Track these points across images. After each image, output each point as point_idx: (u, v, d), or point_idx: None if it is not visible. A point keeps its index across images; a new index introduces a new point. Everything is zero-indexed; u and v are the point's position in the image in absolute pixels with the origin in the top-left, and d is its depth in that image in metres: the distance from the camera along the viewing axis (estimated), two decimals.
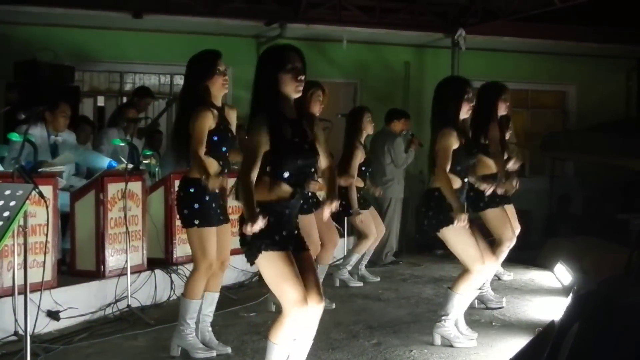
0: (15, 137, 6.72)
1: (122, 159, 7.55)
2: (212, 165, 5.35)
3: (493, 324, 6.76)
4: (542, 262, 10.19)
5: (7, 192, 4.10)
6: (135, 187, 7.42)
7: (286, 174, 4.24)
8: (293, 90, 4.30)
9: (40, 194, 4.53)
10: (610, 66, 15.01)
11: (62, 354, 5.72)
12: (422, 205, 5.93)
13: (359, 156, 8.18)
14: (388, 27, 12.69)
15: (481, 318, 6.93)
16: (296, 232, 4.40)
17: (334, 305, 7.33)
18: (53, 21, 11.27)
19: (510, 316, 7.09)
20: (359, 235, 8.80)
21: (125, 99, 12.08)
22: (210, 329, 5.77)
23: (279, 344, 4.29)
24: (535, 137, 14.92)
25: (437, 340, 5.98)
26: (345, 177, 7.89)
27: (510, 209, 7.62)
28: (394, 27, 12.72)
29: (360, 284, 8.62)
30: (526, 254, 10.79)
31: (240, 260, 8.53)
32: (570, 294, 6.85)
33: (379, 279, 8.75)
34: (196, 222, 5.45)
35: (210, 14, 11.73)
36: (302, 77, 4.30)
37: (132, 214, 7.30)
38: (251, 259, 4.27)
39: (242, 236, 4.25)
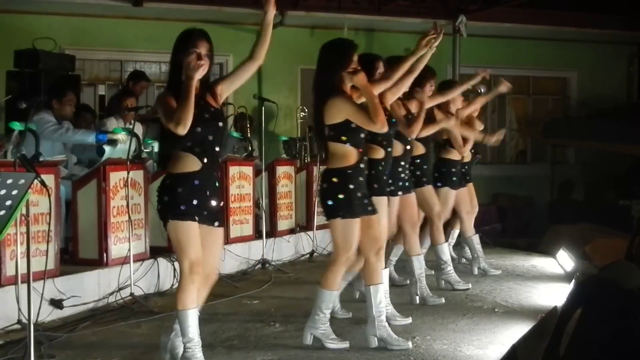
0: (16, 126, 6.70)
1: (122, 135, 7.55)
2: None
3: (496, 310, 6.77)
4: (545, 248, 10.21)
5: (9, 181, 4.09)
6: (138, 175, 7.43)
7: (189, 143, 4.71)
8: (192, 74, 4.70)
9: (42, 183, 4.53)
10: (612, 52, 14.99)
11: (66, 342, 5.72)
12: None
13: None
14: (389, 15, 12.68)
15: (484, 304, 6.94)
16: (214, 203, 4.80)
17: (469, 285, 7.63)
18: (54, 10, 11.27)
19: (513, 302, 7.10)
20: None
21: None
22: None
23: (186, 307, 4.74)
24: (537, 123, 14.91)
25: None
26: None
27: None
28: (394, 14, 12.71)
29: (499, 271, 8.48)
30: (528, 241, 10.82)
31: (242, 248, 8.62)
32: (573, 280, 6.85)
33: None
34: (340, 213, 5.33)
35: (211, 2, 11.73)
36: (203, 62, 4.78)
37: (134, 202, 7.30)
38: (163, 225, 4.82)
39: (157, 204, 4.80)
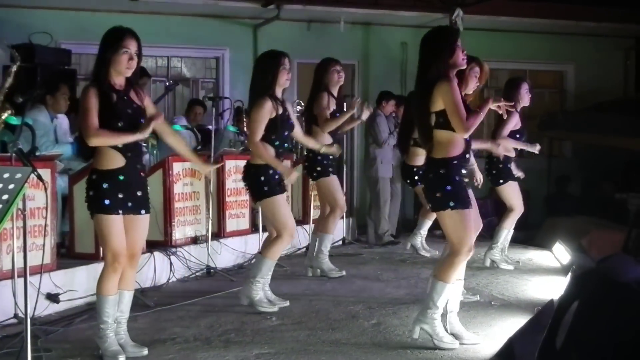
0: (13, 120, 6.69)
1: None
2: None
3: (492, 303, 6.78)
4: (541, 241, 10.23)
5: (6, 175, 4.09)
6: (143, 165, 7.39)
7: (120, 144, 4.95)
8: (123, 71, 5.04)
9: (39, 177, 4.52)
10: (609, 45, 14.97)
11: (62, 336, 5.73)
12: None
13: (513, 121, 7.94)
14: (385, 8, 12.67)
15: (480, 297, 6.95)
16: (139, 193, 5.08)
17: (343, 272, 7.81)
18: (50, 4, 11.25)
19: (510, 295, 7.11)
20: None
21: None
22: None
23: (105, 294, 5.07)
24: (533, 117, 14.90)
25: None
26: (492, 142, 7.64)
27: None
28: (391, 7, 12.69)
29: (512, 267, 8.38)
30: (525, 234, 10.83)
31: (238, 242, 8.62)
32: (569, 273, 6.85)
33: (343, 273, 8.15)
34: (451, 204, 5.18)
35: None
36: (133, 62, 5.05)
37: None
38: (91, 216, 5.06)
39: (87, 195, 5.03)
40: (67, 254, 7.21)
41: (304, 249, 9.23)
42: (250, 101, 6.43)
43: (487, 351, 5.33)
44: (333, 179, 7.73)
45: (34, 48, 9.72)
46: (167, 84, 8.36)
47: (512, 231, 8.45)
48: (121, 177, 4.99)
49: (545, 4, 13.45)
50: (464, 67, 5.40)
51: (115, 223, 5.00)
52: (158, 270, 7.48)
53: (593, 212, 12.33)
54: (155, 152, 8.77)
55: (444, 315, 5.42)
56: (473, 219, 5.40)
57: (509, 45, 14.27)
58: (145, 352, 5.26)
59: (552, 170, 14.82)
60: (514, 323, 5.91)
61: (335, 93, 7.69)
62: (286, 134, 6.50)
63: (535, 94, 15.42)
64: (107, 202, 4.95)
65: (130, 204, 5.04)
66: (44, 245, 5.55)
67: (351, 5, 12.46)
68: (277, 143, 6.37)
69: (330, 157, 7.64)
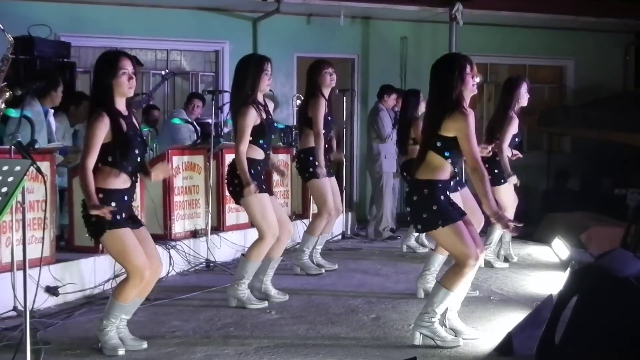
0: (11, 112, 6.68)
1: None
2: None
3: (491, 298, 6.78)
4: (540, 236, 10.24)
5: (5, 168, 4.08)
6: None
7: (124, 162, 5.02)
8: (126, 92, 5.05)
9: (38, 170, 4.51)
10: (609, 40, 14.96)
11: (62, 329, 5.73)
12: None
13: (514, 126, 7.88)
14: (385, 2, 12.64)
15: (479, 292, 6.94)
16: (130, 214, 5.19)
17: (322, 271, 7.79)
18: None
19: (509, 290, 7.11)
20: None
21: None
22: None
23: (123, 301, 5.12)
24: (533, 112, 14.89)
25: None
26: (496, 144, 7.71)
27: None
28: (391, 1, 12.66)
29: (507, 265, 8.31)
30: (524, 229, 10.81)
31: (238, 236, 8.61)
32: (568, 269, 6.86)
33: (336, 267, 8.19)
34: (440, 222, 5.17)
35: None
36: (133, 81, 5.05)
37: None
38: (96, 237, 5.06)
39: (87, 217, 5.01)
40: (67, 246, 7.20)
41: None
42: (233, 107, 6.42)
43: (486, 346, 5.33)
44: (324, 182, 7.67)
45: (33, 40, 9.69)
46: (164, 72, 8.31)
47: (502, 231, 8.34)
48: (126, 198, 5.09)
49: None
50: (475, 93, 5.40)
51: (131, 235, 5.04)
52: None
53: (592, 207, 12.35)
54: (154, 145, 8.77)
55: (442, 313, 5.42)
56: (468, 229, 5.32)
57: (508, 40, 14.26)
58: (145, 345, 5.26)
59: (551, 165, 14.82)
60: (513, 318, 5.91)
61: (327, 94, 7.67)
62: (273, 136, 6.66)
63: (535, 89, 15.47)
64: (117, 217, 4.98)
65: (129, 220, 5.13)
66: (43, 238, 5.57)
67: None
68: (265, 146, 6.42)
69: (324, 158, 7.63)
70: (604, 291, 4.71)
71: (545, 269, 8.15)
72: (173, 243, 7.80)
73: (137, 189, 7.40)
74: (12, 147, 5.32)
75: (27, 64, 9.40)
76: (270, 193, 6.63)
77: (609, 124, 12.99)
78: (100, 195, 4.96)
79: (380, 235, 10.12)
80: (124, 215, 5.05)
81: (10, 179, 4.06)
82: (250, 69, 6.34)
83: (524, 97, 7.99)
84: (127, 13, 11.89)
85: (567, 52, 15.00)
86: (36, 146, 6.50)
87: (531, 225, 11.40)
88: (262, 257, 6.44)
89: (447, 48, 13.19)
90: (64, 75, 9.97)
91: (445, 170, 5.24)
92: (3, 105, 6.07)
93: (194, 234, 8.20)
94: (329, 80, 7.63)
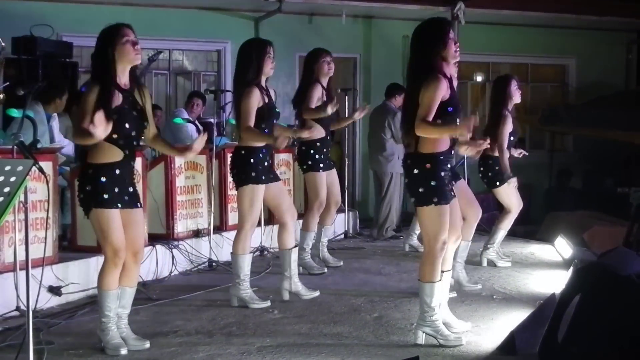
0: (14, 112, 6.69)
1: None
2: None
3: (494, 297, 6.78)
4: (543, 235, 10.23)
5: (7, 168, 4.08)
6: (136, 162, 7.38)
7: (114, 135, 4.87)
8: (133, 59, 5.02)
9: (41, 170, 4.52)
10: (611, 39, 14.96)
11: (64, 329, 5.73)
12: None
13: (509, 124, 7.80)
14: (387, 1, 12.64)
15: (482, 291, 6.95)
16: (131, 189, 5.08)
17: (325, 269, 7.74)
18: None
19: (511, 289, 7.11)
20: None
21: None
22: None
23: (106, 288, 5.07)
24: (535, 111, 14.90)
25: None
26: (493, 145, 7.62)
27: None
28: (393, 0, 12.66)
29: (509, 264, 8.25)
30: (526, 228, 10.83)
31: None
32: (571, 267, 6.86)
33: (341, 263, 8.23)
34: (435, 200, 5.12)
35: None
36: (139, 47, 5.01)
37: None
38: (85, 212, 5.02)
39: (79, 193, 5.01)
40: (69, 246, 7.21)
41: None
42: (236, 91, 6.42)
43: (489, 345, 5.33)
44: (321, 176, 7.65)
45: (35, 40, 9.70)
46: (150, 55, 8.26)
47: (506, 231, 8.36)
48: (117, 171, 4.99)
49: None
50: (457, 59, 5.34)
51: (115, 217, 4.98)
52: (160, 263, 7.48)
53: (594, 206, 12.34)
54: None
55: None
56: (452, 213, 5.33)
57: (510, 38, 14.26)
58: (147, 345, 5.25)
59: (553, 164, 14.82)
60: (516, 317, 5.91)
61: (325, 84, 7.63)
62: (275, 122, 6.56)
63: (537, 87, 15.56)
64: (105, 196, 4.93)
65: (126, 197, 5.04)
66: (45, 237, 5.56)
67: None
68: (267, 132, 6.37)
69: (325, 151, 7.62)
70: (606, 290, 4.71)
71: (547, 268, 8.14)
72: (175, 243, 7.80)
73: (140, 189, 7.44)
74: (15, 147, 5.33)
75: (29, 64, 9.42)
76: (277, 179, 6.58)
77: (611, 123, 12.99)
78: (90, 171, 4.95)
79: (383, 234, 10.11)
80: (116, 190, 4.96)
81: (13, 178, 4.07)
82: (254, 52, 6.37)
83: (515, 94, 7.94)
84: (129, 13, 11.86)
85: (569, 50, 15.00)
86: (38, 146, 6.51)
87: (534, 224, 11.41)
88: (247, 249, 6.46)
89: None
90: (66, 75, 10.01)
91: (444, 140, 5.18)
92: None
93: (197, 233, 8.20)
94: (327, 69, 7.59)
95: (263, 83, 6.40)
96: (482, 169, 8.06)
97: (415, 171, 5.20)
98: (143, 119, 5.13)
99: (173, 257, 7.63)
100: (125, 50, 4.97)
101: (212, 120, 8.76)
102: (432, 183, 5.12)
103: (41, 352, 4.99)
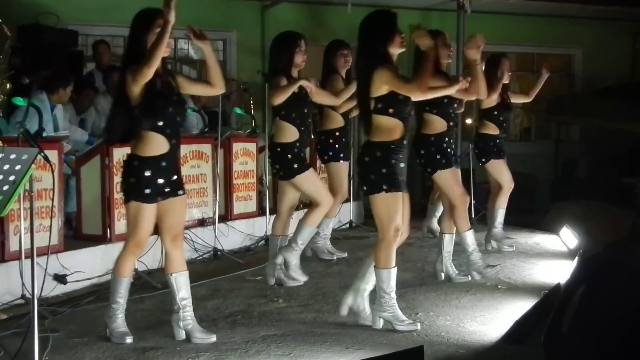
0: (19, 101, 6.70)
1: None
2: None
3: (499, 287, 6.78)
4: (548, 225, 10.20)
5: (13, 156, 4.09)
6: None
7: (160, 122, 4.87)
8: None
9: (46, 158, 4.53)
10: (617, 29, 14.89)
11: (70, 317, 5.75)
12: None
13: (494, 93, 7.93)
14: None
15: (487, 281, 6.95)
16: (175, 177, 5.06)
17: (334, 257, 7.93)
18: None
19: (516, 279, 7.10)
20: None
21: None
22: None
23: (121, 275, 5.11)
24: (541, 101, 14.84)
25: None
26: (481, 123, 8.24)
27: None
28: None
29: (512, 247, 8.50)
30: (532, 218, 10.81)
31: (245, 225, 8.63)
32: (576, 258, 6.85)
33: (346, 254, 8.20)
34: (384, 187, 5.28)
35: None
36: (170, 40, 4.98)
37: None
38: (125, 201, 5.04)
39: (122, 182, 5.03)
40: (75, 235, 7.22)
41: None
42: (269, 81, 6.72)
43: (493, 335, 5.33)
44: (343, 166, 7.74)
45: (40, 29, 9.71)
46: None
47: (504, 209, 8.47)
48: (163, 164, 4.97)
49: None
50: (404, 50, 5.50)
51: (149, 212, 5.00)
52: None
53: (600, 196, 12.29)
54: None
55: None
56: (403, 202, 5.43)
57: (516, 28, 14.21)
58: (213, 339, 5.14)
59: (559, 154, 14.79)
60: (521, 307, 5.91)
61: (343, 75, 7.71)
62: (306, 111, 6.70)
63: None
64: (147, 190, 4.93)
65: (168, 189, 5.02)
66: (50, 226, 5.57)
67: None
68: (298, 121, 6.58)
69: (343, 140, 7.65)
70: (611, 280, 4.70)
71: (553, 258, 8.14)
72: None
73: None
74: (20, 135, 5.33)
75: (35, 53, 9.41)
76: (314, 167, 6.91)
77: (617, 113, 12.94)
78: (135, 163, 4.94)
79: None
80: (159, 182, 4.94)
81: (18, 167, 4.08)
82: (284, 45, 6.60)
83: (505, 74, 8.17)
84: (134, 1, 11.84)
85: (575, 40, 14.94)
86: (44, 134, 6.51)
87: (539, 214, 11.39)
88: (317, 223, 6.95)
89: (455, 36, 13.16)
90: (71, 64, 10.00)
91: (395, 129, 5.31)
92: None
93: (202, 222, 8.21)
94: (343, 62, 7.70)
95: (294, 75, 6.62)
96: (473, 145, 8.29)
97: (367, 159, 5.35)
98: (182, 103, 5.16)
99: None
100: (166, 18, 4.97)
101: (217, 109, 8.75)
102: (383, 170, 5.26)
103: (46, 340, 5.01)
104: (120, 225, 7.11)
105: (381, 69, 5.25)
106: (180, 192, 5.11)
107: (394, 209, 5.30)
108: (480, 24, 13.14)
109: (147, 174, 4.91)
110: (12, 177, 4.06)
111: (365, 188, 5.42)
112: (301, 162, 6.65)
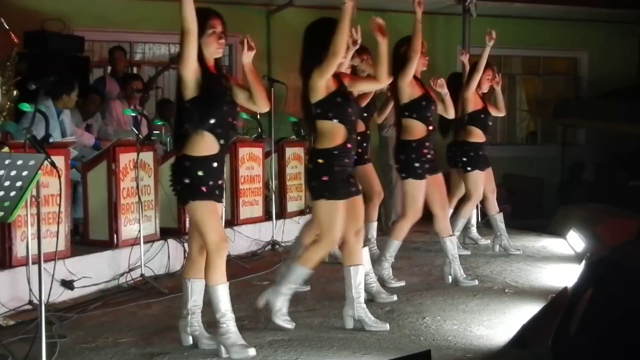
0: (26, 107, 6.71)
1: (134, 129, 7.56)
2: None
3: (506, 290, 6.77)
4: (555, 229, 10.19)
5: (20, 162, 4.10)
6: (147, 157, 7.44)
7: (212, 120, 4.78)
8: (214, 52, 4.93)
9: (52, 164, 4.53)
10: (622, 32, 14.87)
11: (77, 322, 5.76)
12: None
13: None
14: None
15: (494, 285, 6.94)
16: (220, 182, 4.95)
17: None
18: None
19: (523, 283, 7.09)
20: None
21: (135, 69, 12.07)
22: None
23: (215, 283, 4.88)
24: (547, 104, 14.83)
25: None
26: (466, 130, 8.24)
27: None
28: None
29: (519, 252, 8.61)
30: (538, 222, 10.80)
31: (252, 230, 8.63)
32: (583, 261, 6.84)
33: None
34: (326, 194, 5.31)
35: None
36: (223, 40, 4.95)
37: (144, 184, 7.32)
38: (181, 205, 5.14)
39: (174, 185, 4.91)
40: (81, 241, 7.23)
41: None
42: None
43: (501, 338, 5.32)
44: (368, 168, 7.62)
45: (47, 35, 9.73)
46: (171, 54, 8.30)
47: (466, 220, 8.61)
48: (214, 164, 4.88)
49: None
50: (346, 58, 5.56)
51: (213, 208, 4.91)
52: (172, 257, 7.49)
53: (607, 199, 12.29)
54: (168, 139, 8.77)
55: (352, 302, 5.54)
56: (346, 211, 5.41)
57: (522, 32, 14.20)
58: (252, 352, 4.94)
59: (565, 157, 14.78)
60: (528, 310, 5.90)
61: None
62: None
63: (548, 81, 15.51)
64: (204, 189, 4.82)
65: (217, 191, 4.93)
66: (57, 232, 5.58)
67: None
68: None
69: (364, 145, 7.49)
70: (618, 283, 4.69)
71: (560, 262, 8.13)
72: (187, 237, 7.79)
73: (152, 183, 7.46)
74: (27, 141, 5.34)
75: (41, 59, 9.44)
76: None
77: (623, 115, 12.93)
78: (187, 164, 4.82)
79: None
80: (211, 183, 4.85)
81: (25, 173, 4.09)
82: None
83: (485, 83, 8.33)
84: (141, 7, 11.89)
85: (580, 43, 14.93)
86: (50, 140, 6.52)
87: (546, 218, 11.37)
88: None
89: (461, 40, 13.18)
90: (78, 70, 10.02)
91: (337, 134, 5.31)
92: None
93: None
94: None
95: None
96: (458, 153, 8.32)
97: (311, 166, 5.39)
98: (235, 104, 5.00)
99: (185, 250, 7.62)
100: (209, 42, 4.90)
101: None
102: (324, 178, 5.26)
103: (54, 346, 5.00)
104: (126, 231, 7.13)
105: (316, 71, 5.32)
106: (222, 199, 5.07)
107: (333, 218, 5.31)
108: (485, 28, 13.14)
109: (200, 173, 4.81)
110: (19, 183, 4.07)
111: (310, 194, 5.53)
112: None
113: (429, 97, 6.81)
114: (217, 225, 4.93)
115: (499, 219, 8.52)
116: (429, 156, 6.74)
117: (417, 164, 6.69)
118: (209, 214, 4.87)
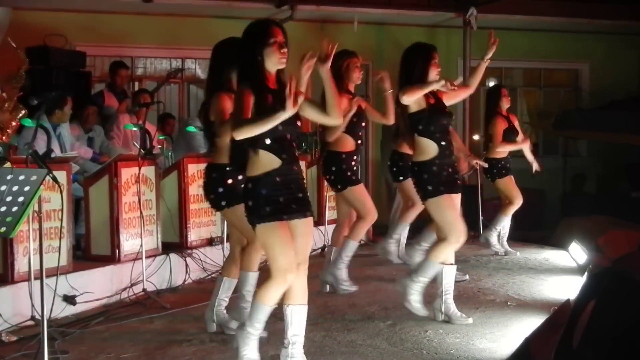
0: (27, 122, 6.73)
1: (135, 144, 7.57)
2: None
3: (508, 303, 6.76)
4: (557, 241, 10.18)
5: (22, 177, 4.11)
6: (149, 171, 7.44)
7: (268, 140, 4.52)
8: (277, 63, 4.69)
9: (54, 179, 4.54)
10: (624, 43, 14.91)
11: (79, 338, 5.75)
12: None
13: (500, 128, 8.94)
14: (399, 8, 12.65)
15: (496, 298, 6.93)
16: (300, 195, 4.65)
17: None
18: (64, 6, 11.29)
19: (526, 295, 7.08)
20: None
21: (137, 84, 12.11)
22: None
23: (265, 303, 4.67)
24: (549, 116, 14.85)
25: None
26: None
27: None
28: (405, 7, 12.67)
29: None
30: (540, 234, 10.78)
31: None
32: (586, 273, 6.83)
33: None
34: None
35: None
36: (285, 50, 4.69)
37: (146, 199, 7.32)
38: (252, 228, 4.66)
39: (246, 206, 4.64)
40: (84, 256, 7.23)
41: (319, 250, 9.21)
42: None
43: (503, 351, 5.31)
44: (359, 188, 7.40)
45: (48, 50, 9.75)
46: (170, 71, 8.31)
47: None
48: (278, 179, 4.57)
49: (560, 3, 13.41)
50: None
51: (279, 231, 4.56)
52: (174, 271, 7.49)
53: (609, 210, 12.27)
54: (170, 154, 8.80)
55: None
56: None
57: (523, 44, 14.23)
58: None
59: (567, 169, 14.78)
60: (530, 323, 5.89)
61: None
62: (445, 122, 6.20)
63: (550, 92, 15.52)
64: (267, 209, 4.54)
65: (294, 206, 4.60)
66: (59, 247, 5.57)
67: (365, 5, 12.44)
68: (438, 136, 6.10)
69: (354, 164, 7.35)
70: (621, 295, 4.68)
71: (562, 274, 8.12)
72: (189, 251, 7.81)
73: (154, 197, 7.46)
74: (28, 156, 5.34)
75: (43, 74, 9.46)
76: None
77: (625, 127, 12.95)
78: (250, 185, 4.60)
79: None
80: (281, 199, 4.55)
81: (27, 188, 4.09)
82: (419, 57, 6.23)
83: (504, 101, 9.06)
84: (142, 22, 11.94)
85: (581, 55, 14.96)
86: (52, 155, 6.53)
87: (548, 230, 11.37)
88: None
89: (462, 52, 13.21)
90: (80, 85, 10.05)
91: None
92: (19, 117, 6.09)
93: (210, 241, 8.21)
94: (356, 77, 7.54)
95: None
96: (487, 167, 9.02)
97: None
98: (296, 118, 4.63)
99: (187, 265, 7.65)
100: (271, 52, 4.66)
101: None
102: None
103: None
104: (128, 246, 7.13)
105: (217, 95, 5.51)
106: (307, 212, 4.70)
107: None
108: (486, 40, 13.19)
109: (263, 192, 4.55)
110: (21, 198, 4.08)
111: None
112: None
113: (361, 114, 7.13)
114: (282, 250, 4.56)
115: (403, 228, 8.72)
116: (354, 168, 7.02)
117: (349, 173, 6.98)
118: (273, 237, 4.57)
